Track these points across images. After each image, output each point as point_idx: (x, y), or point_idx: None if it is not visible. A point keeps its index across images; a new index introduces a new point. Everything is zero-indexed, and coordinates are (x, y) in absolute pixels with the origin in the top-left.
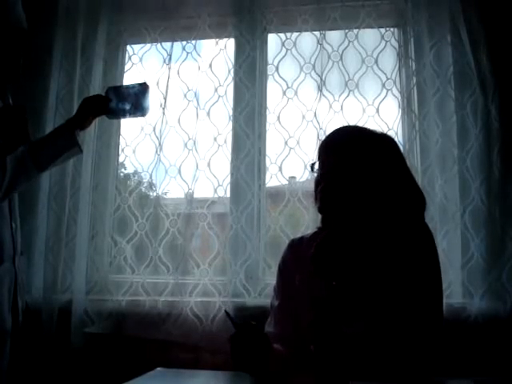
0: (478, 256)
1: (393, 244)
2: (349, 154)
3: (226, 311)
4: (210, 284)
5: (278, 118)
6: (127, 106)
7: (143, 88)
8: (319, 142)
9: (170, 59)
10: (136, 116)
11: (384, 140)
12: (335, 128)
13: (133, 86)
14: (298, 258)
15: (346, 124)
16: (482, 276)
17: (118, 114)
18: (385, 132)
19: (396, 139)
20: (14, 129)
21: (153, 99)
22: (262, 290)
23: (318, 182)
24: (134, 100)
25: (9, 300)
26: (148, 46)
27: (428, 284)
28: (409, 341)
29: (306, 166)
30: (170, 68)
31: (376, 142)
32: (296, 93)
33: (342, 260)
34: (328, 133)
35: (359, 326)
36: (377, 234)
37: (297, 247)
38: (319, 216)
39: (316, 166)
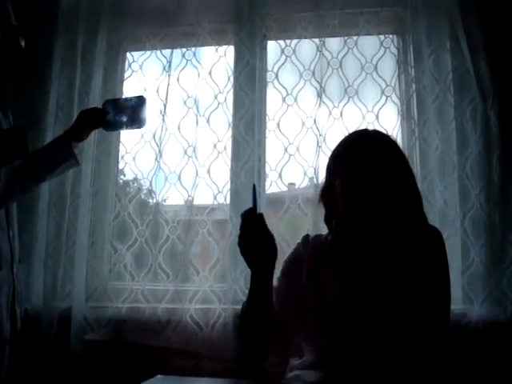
0: (478, 262)
1: (404, 246)
2: (382, 158)
3: (254, 185)
4: (209, 291)
5: (278, 124)
6: (124, 119)
7: (140, 100)
8: (319, 149)
9: (169, 66)
10: (133, 128)
11: (393, 141)
12: (358, 133)
13: (130, 99)
14: (309, 255)
15: (346, 131)
16: (482, 282)
17: (115, 126)
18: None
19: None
20: (12, 150)
21: (150, 111)
22: None
23: (355, 188)
24: (131, 112)
25: (7, 307)
26: (148, 53)
27: (437, 288)
28: (414, 343)
29: (305, 173)
30: (169, 75)
31: (392, 144)
32: (296, 100)
33: (354, 258)
34: (346, 139)
35: (367, 326)
36: (389, 234)
37: (309, 244)
38: (319, 223)
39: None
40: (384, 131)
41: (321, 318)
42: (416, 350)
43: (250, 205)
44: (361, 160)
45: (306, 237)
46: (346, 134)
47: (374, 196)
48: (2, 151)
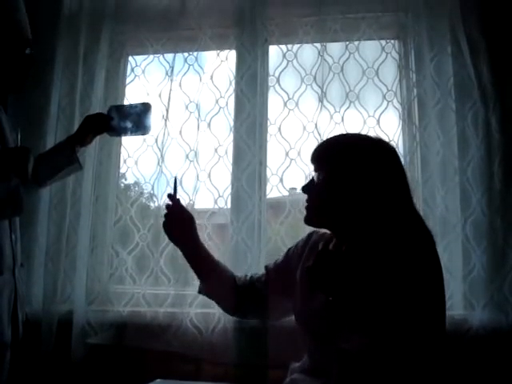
0: (479, 267)
1: (391, 256)
2: (330, 165)
3: (175, 178)
4: None
5: (279, 129)
6: (129, 125)
7: (145, 107)
8: None
9: (172, 71)
10: (137, 134)
11: (377, 145)
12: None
13: (135, 106)
14: (309, 251)
15: None
16: (484, 287)
17: (120, 132)
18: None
19: (397, 150)
20: (11, 170)
21: (155, 116)
22: None
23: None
24: (136, 119)
25: (8, 312)
26: (150, 57)
27: (428, 299)
28: (406, 357)
29: (306, 177)
30: (172, 80)
31: (368, 147)
32: (297, 104)
33: (339, 274)
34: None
35: (355, 342)
36: (375, 245)
37: (313, 241)
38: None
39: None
40: (385, 136)
41: (308, 326)
42: (410, 360)
43: (250, 210)
44: (315, 157)
45: (311, 234)
46: None
47: (330, 206)
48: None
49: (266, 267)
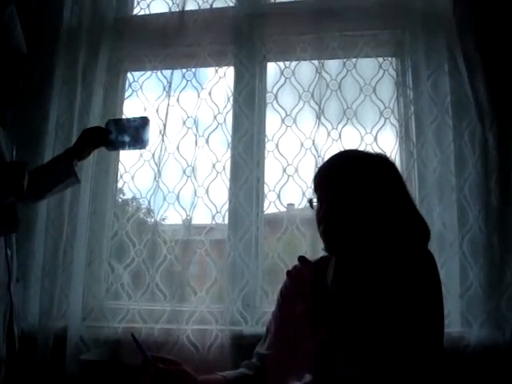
0: (476, 285)
1: (391, 282)
2: (344, 184)
3: (132, 335)
4: (206, 312)
5: (277, 145)
6: (127, 139)
7: (144, 121)
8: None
9: (169, 87)
10: (135, 148)
11: (378, 161)
12: (327, 159)
13: (134, 120)
14: (300, 286)
15: None
16: (481, 305)
17: (118, 146)
18: (379, 152)
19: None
20: (6, 187)
21: (153, 131)
22: (260, 318)
23: (319, 219)
24: (134, 133)
25: (4, 328)
26: (148, 73)
27: (427, 328)
28: (405, 377)
29: (304, 194)
30: (169, 95)
31: (370, 164)
32: (295, 121)
33: (339, 308)
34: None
35: (354, 370)
36: (376, 269)
37: (293, 279)
38: (317, 244)
39: (314, 201)
40: (382, 152)
41: (311, 354)
42: (409, 380)
43: (247, 226)
44: (321, 184)
45: (289, 272)
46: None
47: (349, 228)
48: None
49: (258, 353)
